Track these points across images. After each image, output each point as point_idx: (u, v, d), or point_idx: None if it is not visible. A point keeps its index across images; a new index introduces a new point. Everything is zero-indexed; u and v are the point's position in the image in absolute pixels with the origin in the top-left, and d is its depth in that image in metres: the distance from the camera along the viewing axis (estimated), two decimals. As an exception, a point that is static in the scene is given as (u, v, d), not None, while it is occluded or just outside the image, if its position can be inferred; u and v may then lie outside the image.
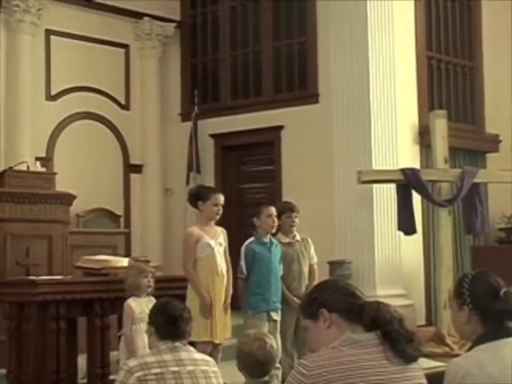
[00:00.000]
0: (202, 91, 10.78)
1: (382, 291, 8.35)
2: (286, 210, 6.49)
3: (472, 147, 10.04)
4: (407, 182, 8.15)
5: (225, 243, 5.93)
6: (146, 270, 5.42)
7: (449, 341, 7.85)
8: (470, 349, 2.49)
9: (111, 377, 5.37)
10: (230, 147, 10.52)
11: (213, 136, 10.51)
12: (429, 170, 8.61)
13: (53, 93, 9.97)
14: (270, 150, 10.11)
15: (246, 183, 10.50)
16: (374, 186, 8.61)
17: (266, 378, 3.44)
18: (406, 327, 2.44)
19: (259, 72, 10.36)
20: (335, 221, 8.95)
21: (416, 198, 8.40)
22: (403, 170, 8.21)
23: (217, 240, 5.85)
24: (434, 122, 8.58)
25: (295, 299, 6.18)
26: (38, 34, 9.74)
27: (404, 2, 9.30)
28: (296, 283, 6.39)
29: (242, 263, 6.19)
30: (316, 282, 6.06)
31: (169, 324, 3.46)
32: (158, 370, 3.32)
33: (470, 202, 8.44)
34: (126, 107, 10.73)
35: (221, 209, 5.87)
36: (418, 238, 8.84)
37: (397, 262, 8.84)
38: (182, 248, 6.03)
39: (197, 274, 5.73)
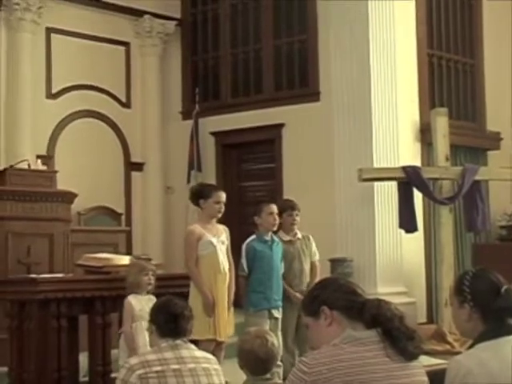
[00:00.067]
0: (203, 89, 10.78)
1: (383, 289, 8.35)
2: (287, 208, 6.48)
3: (473, 145, 10.04)
4: (408, 180, 8.15)
5: (227, 241, 5.93)
6: (147, 268, 5.43)
7: (450, 338, 7.85)
8: (471, 346, 2.49)
9: (113, 375, 5.37)
10: (230, 145, 10.52)
11: (214, 134, 10.51)
12: (430, 168, 8.61)
13: (53, 91, 9.97)
14: (270, 148, 10.10)
15: (246, 181, 10.50)
16: (375, 183, 8.61)
17: (268, 376, 3.44)
18: (406, 325, 2.44)
19: (260, 70, 10.35)
20: (336, 219, 8.95)
21: (417, 196, 8.40)
22: (404, 168, 8.21)
23: (219, 238, 5.84)
24: (435, 119, 8.58)
25: (297, 295, 6.18)
26: (39, 32, 9.74)
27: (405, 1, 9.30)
28: (297, 281, 6.39)
29: (243, 261, 6.19)
30: (318, 278, 6.06)
31: (170, 322, 3.46)
32: (159, 368, 3.33)
33: (471, 200, 8.44)
34: (126, 105, 10.73)
35: (222, 206, 5.87)
36: (419, 235, 8.84)
37: (398, 260, 8.84)
38: (183, 246, 6.03)
39: (199, 272, 5.73)
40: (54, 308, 5.40)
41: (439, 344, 7.81)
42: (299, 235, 6.53)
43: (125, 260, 6.00)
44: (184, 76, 11.04)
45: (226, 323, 5.78)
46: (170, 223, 10.68)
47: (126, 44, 10.73)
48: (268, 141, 10.09)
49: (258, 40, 10.41)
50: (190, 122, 10.46)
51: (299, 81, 10.01)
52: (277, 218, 6.27)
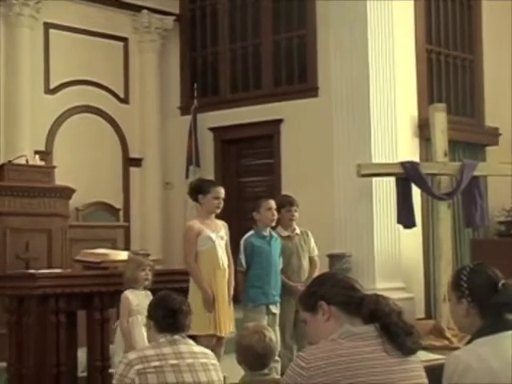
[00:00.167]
0: (202, 84, 10.77)
1: (382, 284, 8.36)
2: (285, 203, 6.48)
3: (472, 140, 10.04)
4: (407, 176, 8.15)
5: (226, 237, 5.93)
6: (144, 264, 5.42)
7: (448, 334, 7.86)
8: (469, 342, 2.48)
9: (111, 370, 5.37)
10: (229, 141, 10.52)
11: (212, 129, 10.51)
12: (428, 164, 8.61)
13: (52, 86, 9.96)
14: (269, 144, 10.10)
15: (245, 177, 10.50)
16: (374, 179, 8.61)
17: (265, 371, 3.45)
18: (404, 320, 2.44)
19: (259, 65, 10.35)
20: (335, 214, 8.95)
21: (415, 192, 8.40)
22: (403, 164, 8.21)
23: (218, 233, 5.84)
24: (434, 115, 8.58)
25: (298, 286, 6.17)
26: (37, 28, 9.73)
27: (404, -5, 9.30)
28: (295, 276, 6.39)
29: (242, 256, 6.20)
30: (316, 273, 6.06)
31: (168, 317, 3.46)
32: (157, 363, 3.33)
33: (469, 196, 8.44)
34: (125, 101, 10.72)
35: (221, 202, 5.86)
36: (417, 231, 8.84)
37: (396, 256, 8.84)
38: (182, 242, 6.03)
39: (198, 267, 5.73)
40: (52, 303, 5.40)
41: (437, 339, 7.82)
42: (297, 231, 6.53)
43: (123, 255, 6.00)
44: (182, 71, 11.03)
45: (227, 319, 5.78)
46: (169, 219, 10.68)
47: (124, 39, 10.72)
48: (267, 136, 10.09)
49: (256, 35, 10.40)
50: (189, 118, 10.45)
51: (298, 76, 10.01)
52: (275, 213, 6.27)
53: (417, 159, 8.90)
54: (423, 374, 2.48)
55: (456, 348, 5.28)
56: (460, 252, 9.56)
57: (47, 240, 6.75)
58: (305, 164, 9.56)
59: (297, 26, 10.01)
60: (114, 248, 6.95)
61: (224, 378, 3.61)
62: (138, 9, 10.66)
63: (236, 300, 6.07)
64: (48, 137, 9.86)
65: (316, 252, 6.60)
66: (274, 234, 6.31)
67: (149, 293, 5.21)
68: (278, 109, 9.86)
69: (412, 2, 9.49)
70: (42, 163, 7.80)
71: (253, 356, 3.41)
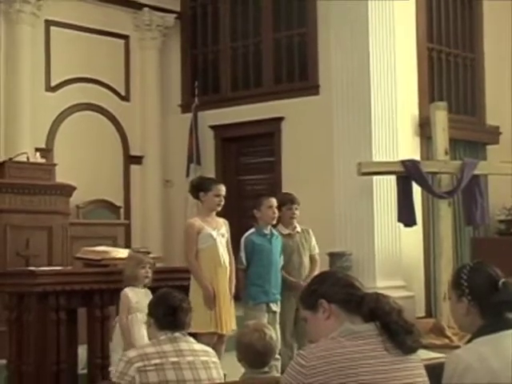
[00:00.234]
0: (203, 82, 10.77)
1: (382, 283, 8.36)
2: (286, 201, 6.48)
3: (472, 139, 10.04)
4: (407, 174, 8.15)
5: (227, 234, 5.93)
6: (144, 261, 5.41)
7: (448, 332, 7.86)
8: (469, 341, 2.48)
9: (110, 368, 5.37)
10: (230, 139, 10.51)
11: (213, 127, 10.50)
12: (429, 162, 8.61)
13: (53, 84, 9.96)
14: (270, 142, 10.10)
15: (246, 175, 10.50)
16: (374, 177, 8.61)
17: (266, 369, 3.45)
18: (404, 318, 2.44)
19: (259, 63, 10.34)
20: (335, 212, 8.95)
21: (416, 190, 8.40)
22: (403, 162, 8.21)
23: (219, 231, 5.84)
24: (435, 113, 8.58)
25: (301, 282, 6.18)
26: (38, 25, 9.72)
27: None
28: (296, 273, 6.39)
29: (242, 254, 6.20)
30: (316, 272, 6.06)
31: (168, 315, 3.46)
32: (157, 361, 3.33)
33: (470, 194, 8.44)
34: (126, 98, 10.72)
35: (222, 200, 5.86)
36: (417, 229, 8.85)
37: (397, 254, 8.84)
38: (182, 239, 6.03)
39: (199, 265, 5.73)
40: (52, 301, 5.39)
41: (438, 338, 7.83)
42: (298, 229, 6.53)
43: (123, 253, 6.00)
44: (183, 69, 11.03)
45: (228, 316, 5.78)
46: (169, 216, 10.68)
47: (125, 37, 10.72)
48: (267, 134, 10.09)
49: (257, 33, 10.39)
50: (190, 116, 10.45)
51: (299, 74, 10.01)
52: (276, 211, 6.27)
53: (417, 157, 8.90)
54: (424, 372, 2.48)
55: (456, 346, 5.29)
56: (460, 250, 9.56)
57: (48, 237, 6.75)
58: (305, 162, 9.56)
59: (297, 24, 10.01)
60: (115, 246, 6.94)
61: (224, 375, 3.61)
62: (139, 6, 10.66)
63: (236, 298, 6.07)
64: (49, 134, 9.87)
65: (317, 250, 6.60)
66: (274, 232, 6.31)
67: (148, 291, 5.21)
68: (278, 107, 9.85)
69: (413, 1, 9.48)
70: (43, 161, 7.79)
71: (253, 354, 3.42)
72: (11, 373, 5.54)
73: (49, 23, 9.88)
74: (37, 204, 6.73)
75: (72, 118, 10.08)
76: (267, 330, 3.53)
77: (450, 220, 8.57)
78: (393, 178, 8.40)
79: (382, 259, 8.71)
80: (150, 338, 3.66)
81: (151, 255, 6.18)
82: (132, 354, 3.38)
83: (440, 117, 8.53)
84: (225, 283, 5.80)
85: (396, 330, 2.40)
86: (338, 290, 2.50)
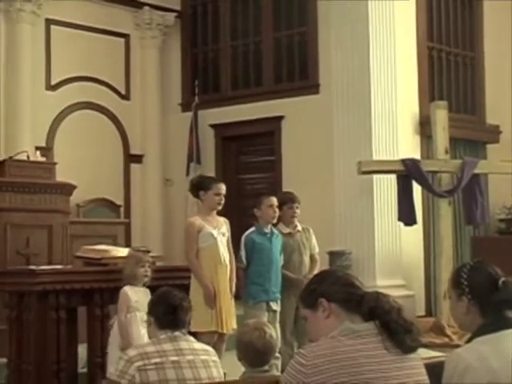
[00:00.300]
0: (203, 81, 10.77)
1: (382, 282, 8.36)
2: (287, 200, 6.48)
3: (472, 138, 10.04)
4: (407, 173, 8.15)
5: (228, 233, 5.93)
6: (143, 260, 5.40)
7: (448, 331, 7.86)
8: (469, 340, 2.48)
9: (107, 365, 5.37)
10: (230, 137, 10.52)
11: (213, 126, 10.50)
12: (429, 161, 8.60)
13: (53, 82, 9.96)
14: (270, 141, 10.10)
15: (246, 174, 10.51)
16: (375, 176, 8.61)
17: (266, 368, 3.45)
18: (404, 317, 2.44)
19: (260, 62, 10.34)
20: (335, 211, 8.95)
21: (416, 189, 8.40)
22: (403, 161, 8.20)
23: (219, 230, 5.84)
24: (435, 112, 8.57)
25: (301, 277, 6.18)
26: (38, 24, 9.72)
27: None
28: (297, 272, 6.39)
29: (242, 253, 6.20)
30: (316, 271, 6.06)
31: (168, 314, 3.46)
32: (157, 360, 3.32)
33: (470, 193, 8.44)
34: (126, 97, 10.72)
35: (222, 198, 5.86)
36: (418, 228, 8.84)
37: (397, 253, 8.84)
38: (182, 238, 6.02)
39: (200, 264, 5.73)
40: (52, 299, 5.39)
41: (438, 337, 7.83)
42: (299, 228, 6.53)
43: (123, 252, 5.99)
44: (184, 68, 11.03)
45: (228, 315, 5.78)
46: (170, 215, 10.68)
47: (125, 36, 10.72)
48: (267, 133, 10.09)
49: (257, 32, 10.39)
50: (190, 114, 10.45)
51: (299, 73, 10.01)
52: (277, 210, 6.27)
53: (418, 156, 8.90)
54: (424, 371, 2.48)
55: (456, 345, 5.28)
56: (461, 249, 9.56)
57: (48, 236, 6.75)
58: (305, 161, 9.56)
59: (298, 23, 10.01)
60: (115, 244, 6.94)
61: (224, 374, 3.61)
62: (139, 5, 10.66)
63: (236, 297, 6.08)
64: (49, 133, 9.87)
65: (317, 250, 6.60)
66: (274, 230, 6.31)
67: (148, 291, 5.21)
68: (278, 106, 9.85)
69: (413, 0, 9.48)
70: (43, 159, 7.80)
71: (253, 353, 3.42)
72: (11, 371, 5.55)
73: (49, 22, 9.89)
74: (37, 203, 6.73)
75: (72, 117, 10.09)
76: (267, 328, 3.53)
77: (450, 219, 8.57)
78: (393, 176, 8.40)
79: (382, 258, 8.71)
80: (150, 337, 3.66)
81: (151, 254, 6.18)
82: (132, 352, 3.38)
83: (440, 116, 8.53)
84: (225, 282, 5.80)
85: (395, 329, 2.40)
86: (337, 289, 2.50)
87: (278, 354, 4.98)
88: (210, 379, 3.38)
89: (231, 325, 5.79)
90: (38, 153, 7.86)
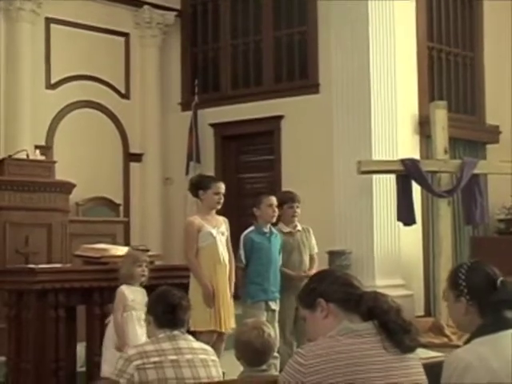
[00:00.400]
0: (203, 80, 10.77)
1: (381, 281, 8.36)
2: (287, 199, 6.48)
3: (472, 138, 10.04)
4: (407, 173, 8.15)
5: (227, 232, 5.93)
6: (141, 259, 5.39)
7: (447, 331, 7.86)
8: (468, 340, 2.46)
9: (102, 364, 5.36)
10: (229, 137, 10.51)
11: (213, 125, 10.50)
12: (429, 161, 8.60)
13: (52, 81, 9.96)
14: (269, 140, 10.10)
15: (245, 173, 10.50)
16: (374, 176, 8.61)
17: (264, 367, 3.45)
18: (403, 317, 2.44)
19: (260, 61, 10.34)
20: (335, 211, 8.95)
21: (416, 189, 8.40)
22: (403, 161, 8.20)
23: (219, 229, 5.84)
24: (435, 112, 8.57)
25: (302, 273, 6.19)
26: (38, 23, 9.72)
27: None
28: (296, 271, 6.39)
29: (241, 252, 6.20)
30: (314, 271, 6.06)
31: (167, 313, 3.46)
32: (156, 359, 3.32)
33: (469, 193, 8.44)
34: (125, 96, 10.72)
35: (222, 198, 5.87)
36: (417, 228, 8.84)
37: (396, 253, 8.85)
38: (182, 237, 6.02)
39: (199, 263, 5.73)
40: (51, 298, 5.39)
41: (437, 337, 7.83)
42: (299, 227, 6.52)
43: (123, 251, 5.99)
44: (183, 67, 11.02)
45: (227, 314, 5.78)
46: (169, 214, 10.68)
47: (125, 35, 10.72)
48: (267, 132, 10.09)
49: (257, 31, 10.39)
50: (190, 114, 10.45)
51: (299, 72, 10.01)
52: (276, 209, 6.27)
53: (417, 156, 8.90)
54: (422, 371, 2.48)
55: (455, 345, 5.29)
56: (460, 249, 9.56)
57: (47, 235, 6.75)
58: (305, 160, 9.56)
59: (298, 22, 10.01)
60: (114, 243, 6.94)
61: (223, 373, 3.61)
62: (139, 4, 10.66)
63: (235, 296, 6.08)
64: (48, 131, 9.87)
65: (316, 250, 6.60)
66: (274, 230, 6.31)
67: (144, 291, 5.20)
68: (278, 105, 9.85)
69: (413, 0, 9.48)
70: (43, 158, 7.80)
71: (251, 352, 3.42)
72: (10, 370, 5.55)
73: (49, 21, 9.88)
74: (36, 201, 6.73)
75: (72, 116, 10.08)
76: (266, 327, 3.53)
77: (450, 219, 8.57)
78: (392, 176, 8.40)
79: (381, 258, 8.71)
80: (149, 336, 3.66)
81: (150, 253, 6.18)
82: (131, 351, 3.38)
83: (440, 116, 8.53)
84: (224, 281, 5.81)
85: (394, 329, 2.40)
86: (336, 289, 2.50)
87: (276, 354, 4.98)
88: (209, 378, 3.38)
89: (230, 324, 5.79)
90: (38, 151, 7.86)
